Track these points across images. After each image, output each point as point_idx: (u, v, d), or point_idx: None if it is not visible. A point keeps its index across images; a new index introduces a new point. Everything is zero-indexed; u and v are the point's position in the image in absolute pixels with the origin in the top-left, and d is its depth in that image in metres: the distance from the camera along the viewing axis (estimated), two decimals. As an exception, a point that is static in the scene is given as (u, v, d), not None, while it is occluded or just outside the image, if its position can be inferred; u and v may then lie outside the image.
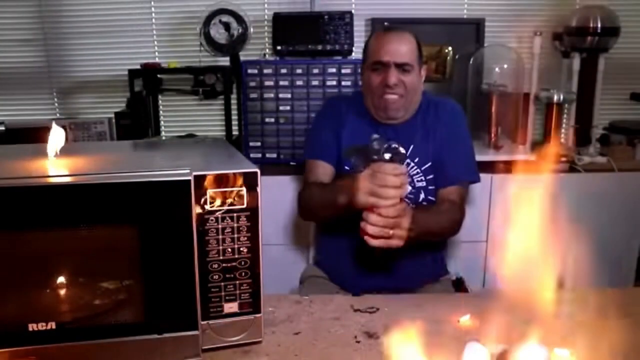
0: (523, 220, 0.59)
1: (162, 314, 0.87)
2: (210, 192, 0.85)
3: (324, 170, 1.56)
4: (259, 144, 2.43)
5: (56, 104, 2.79)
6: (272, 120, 2.41)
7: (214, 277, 0.88)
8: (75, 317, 0.85)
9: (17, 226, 0.81)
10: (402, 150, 1.16)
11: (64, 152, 0.97)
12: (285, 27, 2.44)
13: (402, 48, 1.48)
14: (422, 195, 1.53)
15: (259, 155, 2.44)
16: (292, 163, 2.43)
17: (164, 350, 0.87)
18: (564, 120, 2.57)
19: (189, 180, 0.83)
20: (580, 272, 0.61)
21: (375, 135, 1.32)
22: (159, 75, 2.61)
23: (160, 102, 2.74)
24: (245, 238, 0.88)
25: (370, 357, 0.93)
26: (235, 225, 0.87)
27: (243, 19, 2.47)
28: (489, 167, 2.29)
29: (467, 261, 1.80)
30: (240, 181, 0.86)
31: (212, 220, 0.86)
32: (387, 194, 1.13)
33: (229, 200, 0.86)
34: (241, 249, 0.88)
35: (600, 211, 2.32)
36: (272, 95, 2.39)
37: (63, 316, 0.84)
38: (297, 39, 2.42)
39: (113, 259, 0.87)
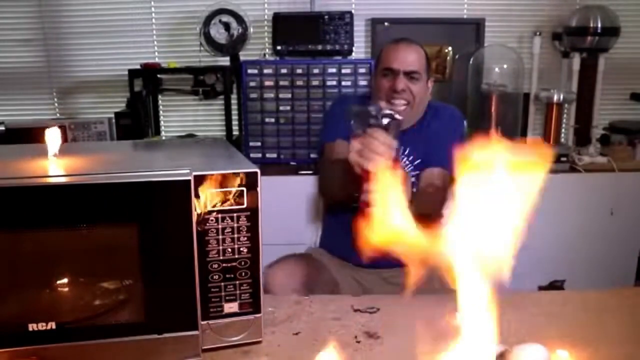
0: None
1: (162, 314, 0.87)
2: (210, 192, 0.85)
3: (343, 149, 1.56)
4: (259, 144, 2.44)
5: (56, 104, 2.79)
6: (272, 120, 2.42)
7: (214, 277, 0.88)
8: (75, 317, 0.85)
9: (17, 226, 0.81)
10: (398, 116, 1.22)
11: (64, 152, 0.97)
12: (285, 27, 2.44)
13: (411, 57, 1.57)
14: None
15: (259, 155, 2.44)
16: (292, 163, 2.43)
17: (164, 350, 0.87)
18: (564, 120, 2.57)
19: (189, 180, 0.83)
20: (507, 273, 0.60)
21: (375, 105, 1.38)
22: (159, 75, 2.61)
23: (160, 102, 2.74)
24: (245, 238, 0.88)
25: (371, 357, 0.93)
26: (235, 225, 0.87)
27: (243, 19, 2.47)
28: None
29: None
30: (240, 181, 0.86)
31: (212, 220, 0.86)
32: (372, 157, 1.16)
33: (229, 200, 0.86)
34: (241, 249, 0.88)
35: (600, 211, 2.32)
36: (272, 95, 2.39)
37: (63, 316, 0.84)
38: (297, 39, 2.42)
39: (113, 259, 0.87)
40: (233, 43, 2.47)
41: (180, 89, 2.65)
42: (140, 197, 0.83)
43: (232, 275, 0.89)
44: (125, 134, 2.48)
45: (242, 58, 2.50)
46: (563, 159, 2.33)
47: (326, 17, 2.41)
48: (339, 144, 1.62)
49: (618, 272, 2.35)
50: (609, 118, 2.71)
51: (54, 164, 0.92)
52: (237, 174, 0.86)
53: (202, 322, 0.89)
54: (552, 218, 2.29)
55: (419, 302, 1.16)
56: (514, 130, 2.48)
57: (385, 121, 1.21)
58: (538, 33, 2.40)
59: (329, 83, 2.38)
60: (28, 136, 2.37)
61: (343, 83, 2.39)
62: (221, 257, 0.88)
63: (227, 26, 2.46)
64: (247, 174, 0.86)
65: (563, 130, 2.60)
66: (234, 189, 0.86)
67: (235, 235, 0.87)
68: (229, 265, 0.88)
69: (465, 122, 1.75)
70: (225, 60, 2.55)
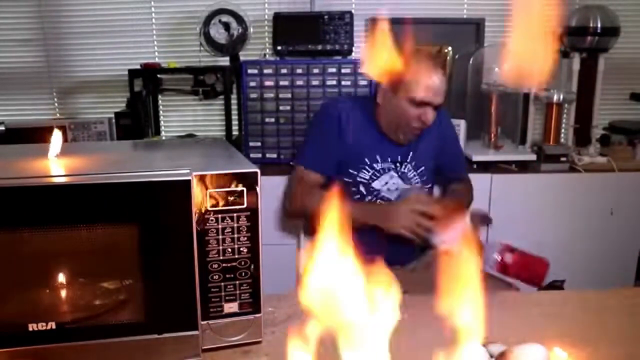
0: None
1: (162, 314, 0.87)
2: (210, 192, 0.85)
3: (315, 182, 1.64)
4: (259, 144, 2.43)
5: (56, 104, 2.79)
6: (272, 120, 2.41)
7: (214, 277, 0.88)
8: (75, 317, 0.85)
9: (17, 226, 0.81)
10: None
11: (64, 152, 0.97)
12: (285, 27, 2.44)
13: (442, 89, 1.56)
14: None
15: (259, 155, 2.44)
16: (292, 163, 2.42)
17: (164, 350, 0.87)
18: (564, 120, 2.57)
19: (189, 180, 0.83)
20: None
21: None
22: (158, 75, 2.61)
23: (160, 102, 2.74)
24: (245, 238, 0.88)
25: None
26: (235, 225, 0.87)
27: (243, 19, 2.46)
28: (489, 167, 2.29)
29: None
30: (240, 181, 0.86)
31: (212, 220, 0.86)
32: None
33: (229, 200, 0.86)
34: (241, 249, 0.88)
35: (600, 211, 2.32)
36: (272, 95, 2.39)
37: (63, 316, 0.84)
38: (297, 39, 2.42)
39: (113, 259, 0.87)
40: (233, 43, 2.47)
41: (180, 89, 2.65)
42: (141, 197, 0.83)
43: (232, 275, 0.89)
44: (125, 134, 2.48)
45: (242, 58, 2.50)
46: (563, 159, 2.33)
47: (326, 17, 2.41)
48: (311, 176, 1.64)
49: (618, 272, 2.35)
50: (609, 118, 2.71)
51: (54, 164, 0.92)
52: (237, 174, 0.86)
53: (202, 322, 0.89)
54: (552, 218, 2.29)
55: (419, 302, 1.16)
56: (514, 130, 2.48)
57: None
58: (538, 33, 2.40)
59: (329, 83, 2.38)
60: (28, 136, 2.37)
61: (343, 83, 2.39)
62: (221, 257, 0.88)
63: (227, 26, 2.46)
64: (247, 174, 0.86)
65: (563, 130, 2.60)
66: (234, 189, 0.86)
67: (235, 235, 0.87)
68: (229, 265, 0.88)
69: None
70: (225, 60, 2.55)
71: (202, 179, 0.84)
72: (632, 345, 0.92)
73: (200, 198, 0.84)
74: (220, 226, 0.86)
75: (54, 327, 0.83)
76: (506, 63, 0.62)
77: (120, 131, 2.50)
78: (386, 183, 1.66)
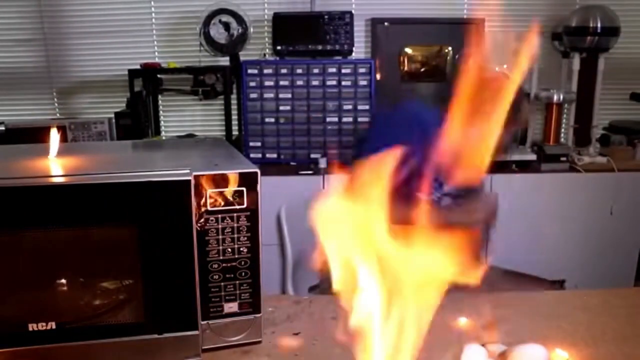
0: None
1: (162, 314, 0.87)
2: (210, 192, 0.85)
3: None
4: (259, 144, 2.44)
5: (56, 104, 2.79)
6: (272, 120, 2.42)
7: (214, 277, 0.88)
8: (75, 317, 0.85)
9: (17, 226, 0.81)
10: None
11: (64, 152, 0.97)
12: (285, 27, 2.44)
13: None
14: None
15: (259, 155, 2.44)
16: (292, 163, 2.43)
17: (164, 350, 0.87)
18: (564, 120, 2.57)
19: (189, 180, 0.83)
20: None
21: None
22: (158, 75, 2.61)
23: (160, 102, 2.74)
24: (245, 238, 0.88)
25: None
26: (235, 225, 0.87)
27: (243, 19, 2.47)
28: (489, 167, 2.29)
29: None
30: (240, 181, 0.86)
31: (212, 220, 0.86)
32: None
33: (229, 200, 0.86)
34: (241, 249, 0.88)
35: (600, 211, 2.32)
36: (272, 95, 2.39)
37: (63, 316, 0.84)
38: (297, 39, 2.42)
39: (113, 259, 0.87)
40: (233, 43, 2.47)
41: (180, 89, 2.65)
42: (141, 197, 0.83)
43: (232, 275, 0.89)
44: (125, 134, 2.48)
45: (242, 58, 2.50)
46: (563, 159, 2.33)
47: (326, 17, 2.41)
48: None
49: (618, 272, 2.35)
50: (609, 118, 2.71)
51: (54, 164, 0.92)
52: (237, 174, 0.86)
53: (202, 322, 0.89)
54: (552, 218, 2.29)
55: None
56: (514, 130, 2.48)
57: None
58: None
59: (329, 83, 2.39)
60: (28, 136, 2.37)
61: (343, 83, 2.39)
62: (221, 257, 0.88)
63: (227, 26, 2.46)
64: (247, 174, 0.86)
65: (563, 130, 2.60)
66: (234, 189, 0.86)
67: (235, 235, 0.87)
68: (229, 265, 0.88)
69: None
70: (225, 60, 2.55)
71: (202, 179, 0.84)
72: (632, 345, 0.92)
73: (200, 198, 0.84)
74: (220, 226, 0.86)
75: (54, 327, 0.83)
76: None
77: (120, 131, 2.50)
78: None
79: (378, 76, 2.62)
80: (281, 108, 2.40)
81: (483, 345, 0.79)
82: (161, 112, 2.76)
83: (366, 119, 2.41)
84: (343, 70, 2.38)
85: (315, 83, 2.38)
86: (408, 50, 2.68)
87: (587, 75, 2.49)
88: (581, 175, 2.31)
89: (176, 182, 0.83)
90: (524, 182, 2.30)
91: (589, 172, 2.31)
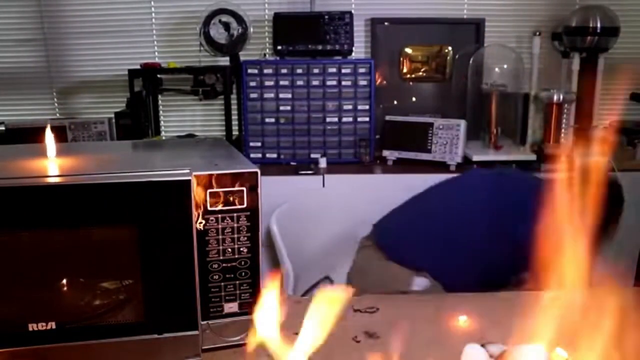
0: None
1: (162, 314, 0.87)
2: (210, 192, 0.85)
3: None
4: (259, 144, 2.44)
5: (56, 104, 2.79)
6: (272, 120, 2.42)
7: (214, 277, 0.88)
8: (75, 317, 0.85)
9: (17, 226, 0.81)
10: None
11: (64, 152, 0.97)
12: (285, 27, 2.44)
13: None
14: None
15: (259, 155, 2.44)
16: (292, 163, 2.43)
17: (164, 350, 0.87)
18: (564, 120, 2.57)
19: (189, 180, 0.83)
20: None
21: None
22: (158, 75, 2.61)
23: (160, 102, 2.74)
24: (245, 238, 0.88)
25: (370, 357, 0.93)
26: (235, 225, 0.87)
27: (243, 19, 2.46)
28: (489, 167, 2.29)
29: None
30: (240, 181, 0.86)
31: (212, 220, 0.86)
32: None
33: (229, 200, 0.86)
34: (241, 249, 0.88)
35: (600, 211, 2.32)
36: (272, 95, 2.39)
37: (63, 316, 0.84)
38: (297, 39, 2.42)
39: (113, 259, 0.87)
40: (233, 43, 2.47)
41: (180, 89, 2.65)
42: (141, 197, 0.83)
43: (232, 275, 0.89)
44: (125, 134, 2.48)
45: (242, 58, 2.50)
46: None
47: (326, 17, 2.41)
48: None
49: (618, 272, 2.35)
50: (609, 118, 2.71)
51: (54, 164, 0.92)
52: (237, 174, 0.86)
53: (202, 322, 0.89)
54: (552, 218, 2.28)
55: (419, 302, 1.16)
56: (514, 130, 2.48)
57: None
58: (538, 33, 2.40)
59: (329, 83, 2.38)
60: (28, 136, 2.37)
61: (343, 83, 2.39)
62: (221, 257, 0.88)
63: (227, 26, 2.46)
64: (247, 174, 0.86)
65: (563, 130, 2.60)
66: (234, 189, 0.86)
67: (235, 235, 0.88)
68: (229, 265, 0.88)
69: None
70: (225, 60, 2.55)
71: (202, 179, 0.84)
72: (632, 345, 0.92)
73: (201, 198, 0.84)
74: (220, 226, 0.86)
75: (54, 327, 0.83)
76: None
77: (120, 131, 2.50)
78: None
79: (378, 76, 2.62)
80: (281, 108, 2.40)
81: (483, 345, 0.79)
82: (161, 112, 2.76)
83: (366, 119, 2.41)
84: (343, 70, 2.38)
85: (315, 83, 2.38)
86: (408, 50, 2.68)
87: (587, 75, 2.49)
88: (581, 175, 2.30)
89: (176, 182, 0.83)
90: (524, 182, 2.30)
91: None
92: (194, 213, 0.84)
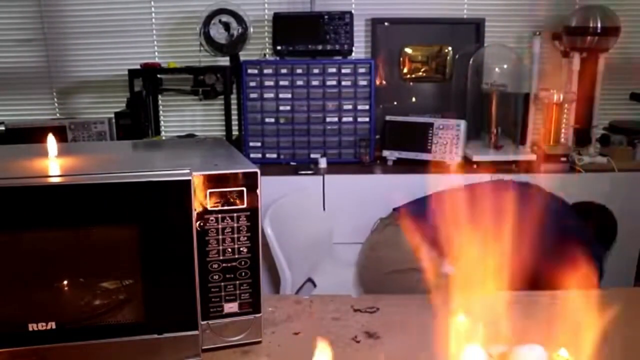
0: None
1: (162, 314, 0.87)
2: (210, 192, 0.85)
3: None
4: (259, 144, 2.44)
5: (56, 104, 2.79)
6: (272, 120, 2.42)
7: (214, 277, 0.88)
8: (75, 317, 0.85)
9: (17, 226, 0.81)
10: None
11: (64, 152, 0.97)
12: (285, 27, 2.44)
13: None
14: None
15: (259, 155, 2.44)
16: (292, 163, 2.43)
17: (164, 350, 0.87)
18: (564, 120, 2.57)
19: (189, 180, 0.83)
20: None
21: None
22: (158, 75, 2.61)
23: (160, 102, 2.74)
24: (245, 238, 0.88)
25: (370, 357, 0.93)
26: (235, 225, 0.87)
27: (243, 19, 2.47)
28: (489, 167, 2.29)
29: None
30: (240, 181, 0.86)
31: (212, 220, 0.86)
32: None
33: (229, 200, 0.86)
34: (241, 249, 0.88)
35: (600, 211, 2.32)
36: (272, 95, 2.39)
37: (63, 316, 0.84)
38: (297, 39, 2.42)
39: (113, 259, 0.87)
40: (233, 43, 2.47)
41: (180, 89, 2.65)
42: (141, 197, 0.83)
43: (232, 275, 0.89)
44: (125, 134, 2.48)
45: (242, 58, 2.50)
46: (563, 159, 2.33)
47: (326, 17, 2.41)
48: None
49: (618, 272, 2.35)
50: (609, 118, 2.71)
51: (54, 164, 0.92)
52: (237, 174, 0.86)
53: (202, 322, 0.89)
54: (552, 218, 2.29)
55: (419, 302, 1.16)
56: (514, 130, 2.48)
57: None
58: (538, 33, 2.40)
59: (329, 83, 2.39)
60: (28, 136, 2.37)
61: (343, 83, 2.39)
62: (221, 257, 0.88)
63: (227, 26, 2.46)
64: (247, 174, 0.86)
65: (563, 130, 2.60)
66: (234, 189, 0.86)
67: (235, 235, 0.87)
68: (229, 265, 0.88)
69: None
70: (225, 60, 2.55)
71: (202, 179, 0.84)
72: (633, 345, 0.92)
73: (201, 198, 0.84)
74: (220, 226, 0.86)
75: (54, 327, 0.83)
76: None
77: (120, 131, 2.50)
78: None
79: (378, 76, 2.62)
80: (281, 108, 2.40)
81: (483, 345, 0.79)
82: (161, 112, 2.76)
83: (366, 119, 2.41)
84: (343, 70, 2.38)
85: (315, 83, 2.38)
86: (408, 50, 2.69)
87: (587, 75, 2.49)
88: (581, 175, 2.31)
89: (176, 182, 0.83)
90: (524, 182, 2.30)
91: (589, 172, 2.31)
92: (194, 213, 0.84)
